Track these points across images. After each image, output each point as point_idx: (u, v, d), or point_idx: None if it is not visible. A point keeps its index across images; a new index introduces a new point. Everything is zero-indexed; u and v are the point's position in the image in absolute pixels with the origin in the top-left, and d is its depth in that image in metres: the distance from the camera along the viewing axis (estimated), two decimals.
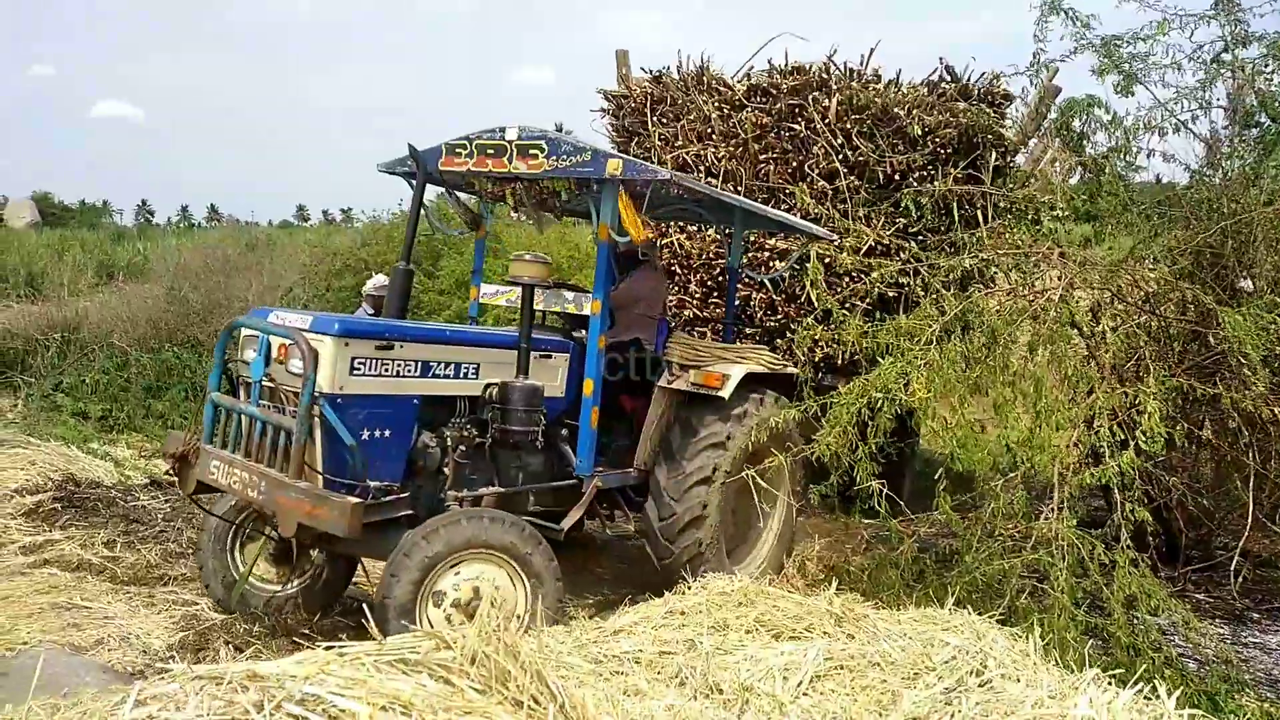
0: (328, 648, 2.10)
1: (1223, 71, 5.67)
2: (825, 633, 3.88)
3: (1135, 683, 3.00)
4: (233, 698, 1.83)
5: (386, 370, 4.52)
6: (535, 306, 5.47)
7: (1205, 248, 5.48)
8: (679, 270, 8.25)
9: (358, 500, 4.02)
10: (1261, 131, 5.92)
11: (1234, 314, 4.65)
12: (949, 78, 7.75)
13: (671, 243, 8.27)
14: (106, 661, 4.55)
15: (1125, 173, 6.13)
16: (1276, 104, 5.77)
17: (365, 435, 4.37)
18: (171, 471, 4.65)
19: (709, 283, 8.13)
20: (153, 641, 4.83)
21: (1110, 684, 3.02)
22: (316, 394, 4.14)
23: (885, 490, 4.84)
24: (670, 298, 7.98)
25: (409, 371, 4.63)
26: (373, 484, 4.31)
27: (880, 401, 4.79)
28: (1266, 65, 5.70)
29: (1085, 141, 6.05)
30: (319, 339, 4.24)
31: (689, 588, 4.41)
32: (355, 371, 4.37)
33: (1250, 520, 5.29)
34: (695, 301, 8.16)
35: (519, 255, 5.41)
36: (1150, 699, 2.89)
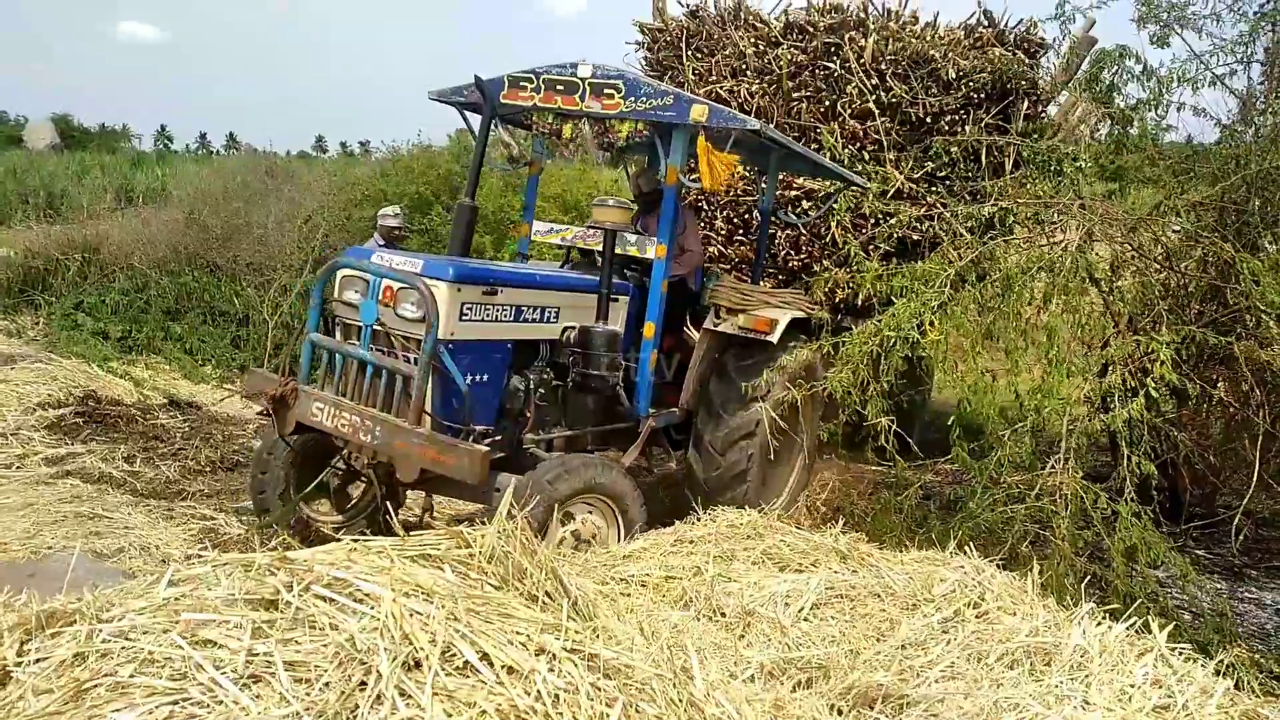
0: (353, 540, 2.19)
1: (1264, 24, 5.55)
2: (831, 568, 3.96)
3: (1127, 617, 3.08)
4: (263, 579, 1.93)
5: (488, 315, 4.51)
6: (588, 246, 5.46)
7: (1230, 204, 5.42)
8: (705, 207, 8.25)
9: (486, 448, 4.06)
10: None
11: (1254, 260, 4.63)
12: (986, 22, 7.67)
13: (698, 178, 8.27)
14: (128, 569, 4.68)
15: (1155, 130, 6.04)
16: None
17: (469, 380, 4.38)
18: (265, 412, 4.54)
19: (735, 220, 8.12)
20: (172, 551, 4.97)
21: (1104, 619, 3.10)
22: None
23: (894, 427, 4.87)
24: None
25: (505, 316, 4.63)
26: (476, 428, 4.35)
27: (893, 341, 4.81)
28: None
29: (1115, 93, 5.95)
30: (434, 284, 4.19)
31: (698, 518, 4.48)
32: (464, 317, 4.36)
33: (1255, 479, 5.32)
34: (720, 239, 8.17)
35: (601, 200, 5.37)
36: (1142, 634, 2.97)
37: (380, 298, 4.34)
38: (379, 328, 4.40)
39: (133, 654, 1.82)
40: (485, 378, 4.56)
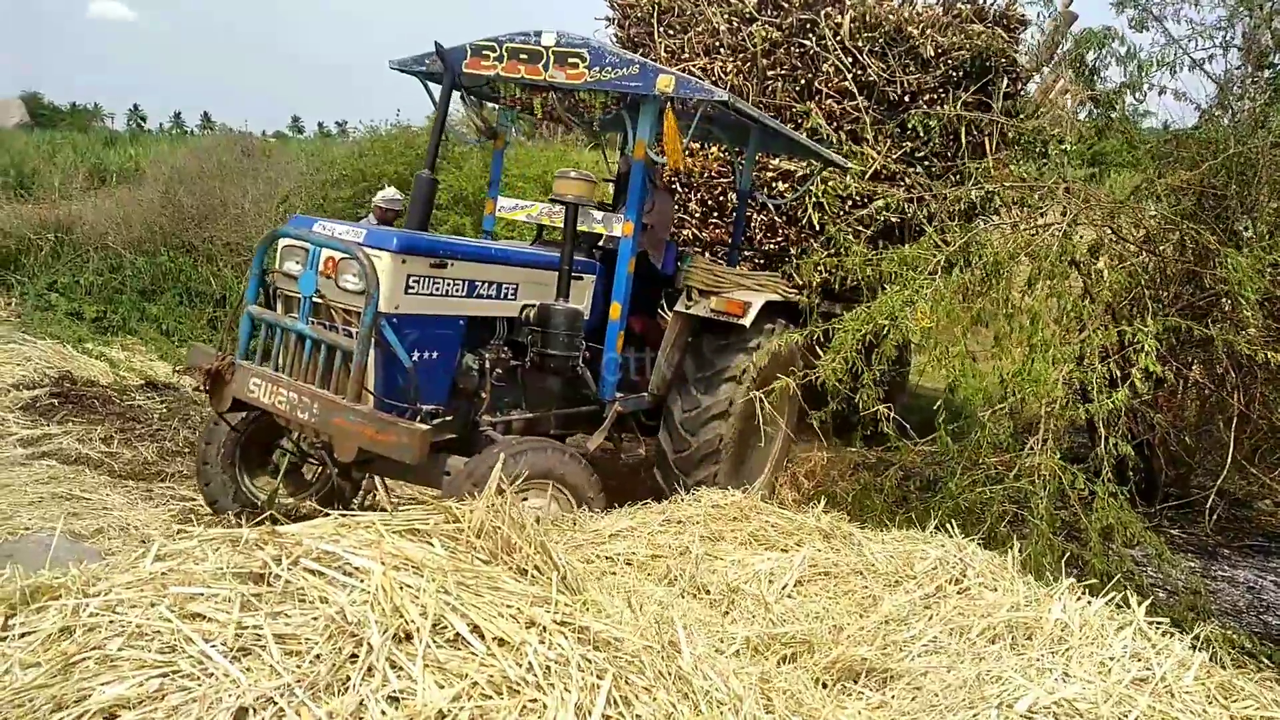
0: (340, 514, 2.18)
1: (1241, 10, 5.60)
2: (814, 546, 3.98)
3: (1106, 592, 3.13)
4: (251, 553, 1.91)
5: (437, 289, 4.31)
6: (554, 224, 5.29)
7: (1209, 189, 5.48)
8: (679, 188, 8.18)
9: (427, 427, 3.89)
10: (1274, 73, 5.87)
11: (1236, 254, 4.68)
12: None
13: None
14: (108, 549, 4.63)
15: (1135, 115, 6.08)
16: None
17: (416, 357, 4.19)
18: (202, 387, 4.35)
19: (709, 202, 8.04)
20: (152, 532, 4.91)
21: (1084, 593, 3.15)
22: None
23: (891, 414, 4.87)
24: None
25: (457, 291, 4.43)
26: (424, 407, 4.16)
27: (885, 329, 4.80)
28: None
29: (1097, 75, 5.98)
30: (376, 254, 3.98)
31: (684, 499, 4.47)
32: (410, 290, 4.16)
33: (1229, 460, 5.41)
34: (695, 221, 8.09)
35: (564, 172, 5.20)
36: (1121, 608, 3.02)
37: (321, 269, 4.13)
38: (319, 300, 4.20)
39: (121, 627, 1.80)
40: (435, 355, 4.37)
